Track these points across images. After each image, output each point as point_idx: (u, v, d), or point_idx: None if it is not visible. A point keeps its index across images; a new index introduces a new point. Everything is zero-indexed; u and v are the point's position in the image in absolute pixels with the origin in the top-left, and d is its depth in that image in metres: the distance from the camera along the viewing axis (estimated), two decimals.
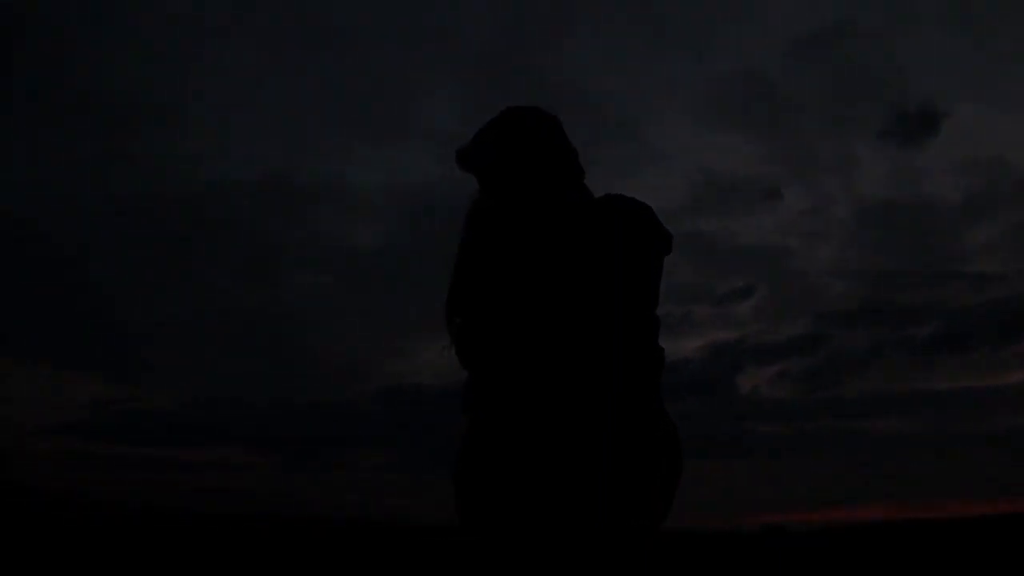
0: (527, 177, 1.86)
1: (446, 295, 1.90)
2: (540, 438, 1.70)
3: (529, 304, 1.76)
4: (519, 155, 1.87)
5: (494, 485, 1.73)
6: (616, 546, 1.62)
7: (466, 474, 1.79)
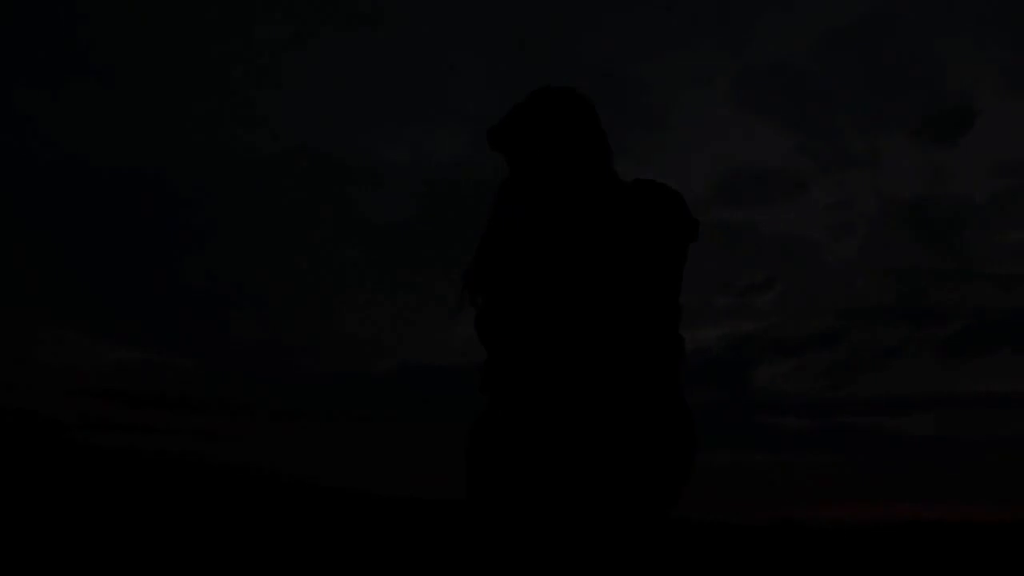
0: (555, 159, 1.85)
1: (466, 271, 1.90)
2: (551, 422, 1.71)
3: (551, 288, 1.76)
4: (548, 136, 1.86)
5: (504, 465, 1.74)
6: (614, 536, 1.63)
7: (477, 451, 1.81)
